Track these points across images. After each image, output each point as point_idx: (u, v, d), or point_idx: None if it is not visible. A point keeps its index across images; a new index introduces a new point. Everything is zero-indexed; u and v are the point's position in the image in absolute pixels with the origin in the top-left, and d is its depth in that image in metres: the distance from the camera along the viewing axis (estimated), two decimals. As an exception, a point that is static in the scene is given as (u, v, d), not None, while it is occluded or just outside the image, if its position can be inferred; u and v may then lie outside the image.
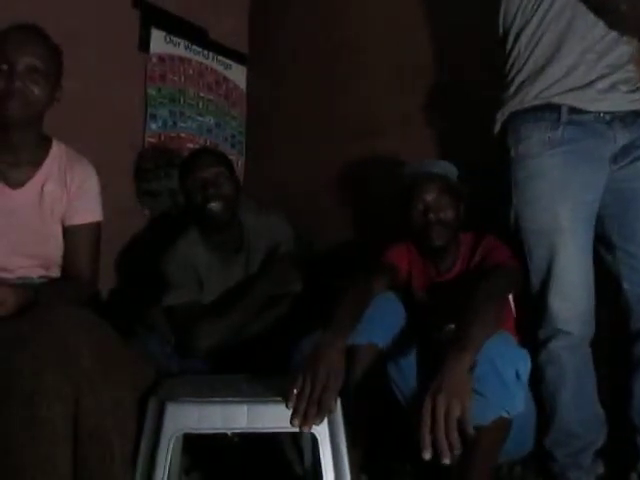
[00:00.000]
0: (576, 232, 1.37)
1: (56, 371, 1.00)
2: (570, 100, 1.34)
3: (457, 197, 1.52)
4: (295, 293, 1.66)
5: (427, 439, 0.99)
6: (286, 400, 1.05)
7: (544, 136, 1.37)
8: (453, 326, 1.28)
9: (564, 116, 1.35)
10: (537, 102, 1.37)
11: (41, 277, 1.35)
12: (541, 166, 1.37)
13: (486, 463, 1.21)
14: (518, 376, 1.18)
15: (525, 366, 1.20)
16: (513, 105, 1.42)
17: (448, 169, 1.55)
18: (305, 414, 1.03)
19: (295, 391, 1.05)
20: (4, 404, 0.99)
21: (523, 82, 1.40)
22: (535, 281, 1.42)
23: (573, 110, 1.34)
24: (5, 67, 1.26)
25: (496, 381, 1.14)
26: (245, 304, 1.57)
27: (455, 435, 0.98)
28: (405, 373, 1.34)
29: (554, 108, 1.36)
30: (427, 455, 0.97)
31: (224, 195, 1.59)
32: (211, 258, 1.66)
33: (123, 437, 1.06)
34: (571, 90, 1.34)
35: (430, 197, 1.48)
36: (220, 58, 2.60)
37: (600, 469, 1.45)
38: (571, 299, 1.38)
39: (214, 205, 1.58)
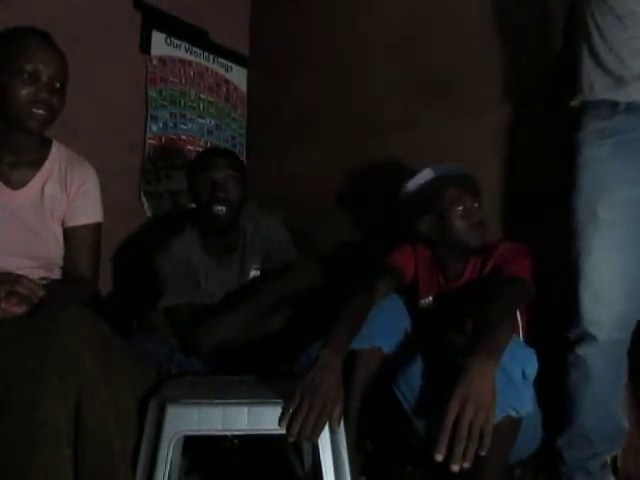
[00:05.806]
0: (614, 228, 1.29)
1: (57, 372, 1.00)
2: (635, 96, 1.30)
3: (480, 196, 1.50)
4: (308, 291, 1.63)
5: (444, 443, 0.97)
6: (279, 420, 1.05)
7: (600, 125, 1.33)
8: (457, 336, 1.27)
9: (622, 104, 1.30)
10: (602, 97, 1.33)
11: (42, 279, 1.35)
12: (589, 155, 1.33)
13: (497, 462, 1.21)
14: (525, 375, 1.17)
15: (532, 366, 1.19)
16: (583, 96, 1.37)
17: (465, 170, 1.52)
18: (299, 434, 1.02)
19: (291, 410, 1.04)
20: (5, 405, 0.99)
21: (593, 80, 1.35)
22: (568, 275, 1.35)
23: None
24: (30, 69, 1.25)
25: (503, 379, 1.12)
26: (251, 301, 1.55)
27: (474, 446, 0.96)
28: (410, 378, 1.33)
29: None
30: (439, 457, 0.96)
31: (231, 200, 1.58)
32: (206, 259, 1.65)
33: (124, 438, 1.06)
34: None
35: (468, 200, 1.46)
36: (221, 60, 2.60)
37: (609, 477, 1.41)
38: (604, 301, 1.29)
39: (219, 209, 1.57)
